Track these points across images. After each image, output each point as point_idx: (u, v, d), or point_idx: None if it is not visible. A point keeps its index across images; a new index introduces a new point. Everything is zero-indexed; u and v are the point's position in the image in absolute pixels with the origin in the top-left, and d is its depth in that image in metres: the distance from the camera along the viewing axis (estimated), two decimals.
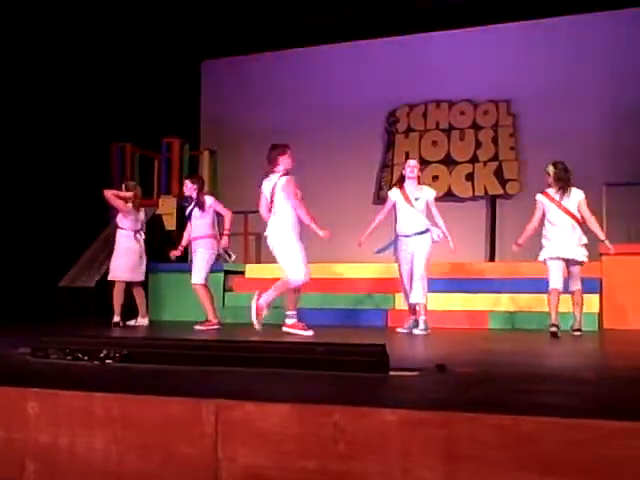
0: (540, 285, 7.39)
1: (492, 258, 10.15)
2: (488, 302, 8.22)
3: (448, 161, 10.61)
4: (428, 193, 6.96)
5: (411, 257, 6.82)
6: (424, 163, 10.58)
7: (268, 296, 6.46)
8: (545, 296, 6.64)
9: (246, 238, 10.59)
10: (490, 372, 3.26)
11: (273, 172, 6.50)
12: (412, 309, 6.95)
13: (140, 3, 9.51)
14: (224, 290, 9.39)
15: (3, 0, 8.54)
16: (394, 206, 6.96)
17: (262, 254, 10.92)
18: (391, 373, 2.78)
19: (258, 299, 6.45)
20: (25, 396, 2.27)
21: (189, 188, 7.61)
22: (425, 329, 6.65)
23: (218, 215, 7.68)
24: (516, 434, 1.71)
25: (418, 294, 6.77)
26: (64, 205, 9.59)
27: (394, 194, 6.99)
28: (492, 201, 10.35)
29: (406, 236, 6.83)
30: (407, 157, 10.57)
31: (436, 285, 7.87)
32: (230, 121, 11.32)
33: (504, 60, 10.20)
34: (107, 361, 3.13)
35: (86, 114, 9.98)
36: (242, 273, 9.75)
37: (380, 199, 10.41)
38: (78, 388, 2.30)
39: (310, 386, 2.51)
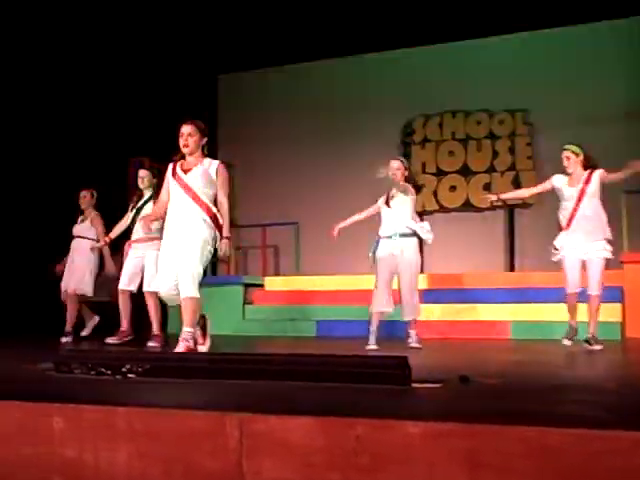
0: (561, 295, 7.35)
1: (512, 268, 10.10)
2: (510, 312, 8.17)
3: (465, 171, 10.59)
4: (409, 193, 6.40)
5: (394, 263, 6.28)
6: (441, 174, 10.59)
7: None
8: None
9: (264, 251, 10.63)
10: (513, 383, 3.24)
11: None
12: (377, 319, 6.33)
13: (157, 19, 9.63)
14: (244, 303, 9.40)
15: (22, 16, 8.68)
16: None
17: (280, 266, 10.95)
18: (414, 385, 2.77)
19: None
20: (50, 411, 2.29)
21: (144, 179, 6.99)
22: (419, 342, 6.24)
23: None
24: (541, 446, 1.71)
25: (410, 310, 6.27)
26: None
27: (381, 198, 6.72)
28: (510, 211, 10.31)
29: (387, 237, 6.39)
30: (424, 168, 10.63)
31: (457, 296, 7.82)
32: (247, 135, 11.36)
33: (520, 69, 10.17)
34: (130, 375, 3.14)
35: (104, 129, 10.07)
36: (261, 286, 9.76)
37: None
38: (101, 402, 2.32)
39: (332, 399, 2.51)
